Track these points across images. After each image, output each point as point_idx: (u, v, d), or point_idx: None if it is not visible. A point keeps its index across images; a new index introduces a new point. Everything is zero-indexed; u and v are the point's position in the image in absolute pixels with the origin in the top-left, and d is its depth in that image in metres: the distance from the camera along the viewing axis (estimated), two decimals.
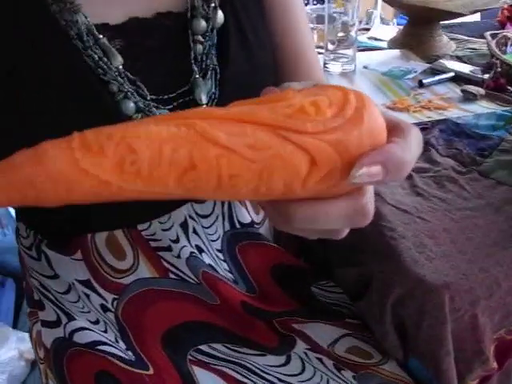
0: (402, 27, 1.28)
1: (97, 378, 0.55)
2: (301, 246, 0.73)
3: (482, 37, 1.11)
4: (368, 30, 1.40)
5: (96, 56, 0.44)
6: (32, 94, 0.42)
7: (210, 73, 0.50)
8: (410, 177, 0.67)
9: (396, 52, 1.19)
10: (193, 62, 0.49)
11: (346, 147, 0.26)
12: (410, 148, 0.28)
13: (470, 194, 0.65)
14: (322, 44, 1.17)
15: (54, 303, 0.59)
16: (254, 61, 0.53)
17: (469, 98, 0.91)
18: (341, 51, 1.12)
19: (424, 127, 0.80)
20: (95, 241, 0.54)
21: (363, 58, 1.15)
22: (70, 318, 0.58)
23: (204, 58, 0.50)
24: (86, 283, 0.56)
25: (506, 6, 1.19)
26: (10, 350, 1.17)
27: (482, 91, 0.91)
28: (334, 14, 1.12)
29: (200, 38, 0.49)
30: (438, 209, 0.61)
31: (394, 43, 1.24)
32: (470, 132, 0.79)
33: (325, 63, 1.09)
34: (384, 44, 1.28)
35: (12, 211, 1.25)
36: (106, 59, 0.44)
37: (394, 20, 2.31)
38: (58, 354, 0.58)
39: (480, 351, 0.55)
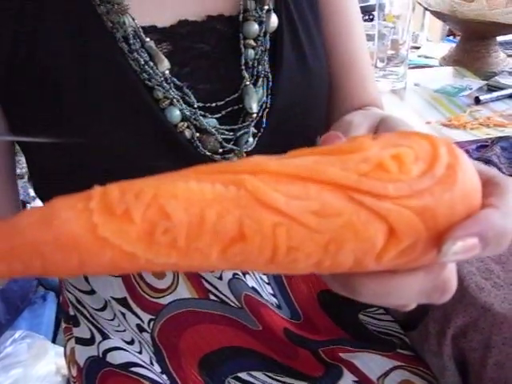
0: (453, 45, 1.24)
1: None
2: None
3: None
4: (418, 48, 1.36)
5: (142, 60, 0.42)
6: (73, 96, 0.41)
7: (261, 80, 0.47)
8: None
9: (449, 69, 1.15)
10: (243, 68, 0.46)
11: (435, 215, 0.21)
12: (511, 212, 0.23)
13: None
14: (371, 62, 1.14)
15: (89, 320, 0.57)
16: (308, 69, 0.50)
17: None
18: (390, 69, 1.09)
19: (484, 144, 0.75)
20: None
21: (414, 75, 1.12)
22: (105, 337, 0.56)
23: (255, 64, 0.47)
24: (122, 301, 0.54)
25: None
26: (48, 364, 1.16)
27: None
28: (384, 31, 1.09)
29: (252, 42, 0.47)
30: None
31: (446, 60, 1.20)
32: None
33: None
34: (435, 62, 1.24)
35: None
36: (151, 63, 0.42)
37: (441, 42, 2.27)
38: (90, 373, 0.55)
39: None
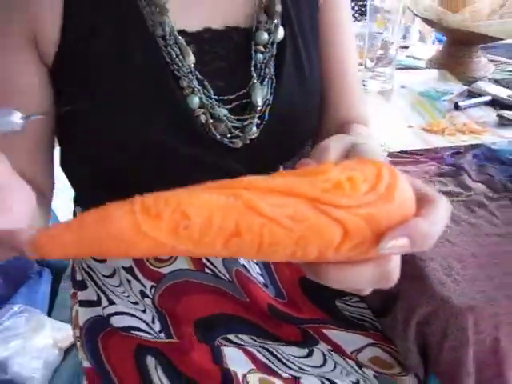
0: (440, 46, 1.29)
1: (136, 351, 0.61)
2: None
3: None
4: (407, 47, 1.42)
5: (174, 53, 0.50)
6: (111, 80, 0.49)
7: (266, 80, 0.55)
8: None
9: (434, 72, 1.21)
10: (253, 69, 0.55)
11: (377, 221, 0.28)
12: (437, 221, 0.30)
13: (499, 221, 0.66)
14: (361, 61, 1.19)
15: (97, 285, 0.66)
16: (304, 78, 0.58)
17: (504, 123, 0.92)
18: (379, 69, 1.13)
19: (458, 151, 0.81)
20: None
21: (401, 76, 1.17)
22: (111, 302, 0.64)
23: (263, 67, 0.55)
24: (129, 270, 0.63)
25: None
26: (46, 337, 1.23)
27: None
28: (374, 32, 1.14)
29: (261, 48, 0.55)
30: (467, 233, 0.63)
31: (432, 63, 1.26)
32: (503, 158, 0.81)
33: (363, 80, 1.11)
34: (422, 63, 1.29)
35: (55, 210, 1.31)
36: (181, 57, 0.51)
37: (432, 34, 2.32)
38: (91, 330, 0.64)
39: (500, 374, 0.57)
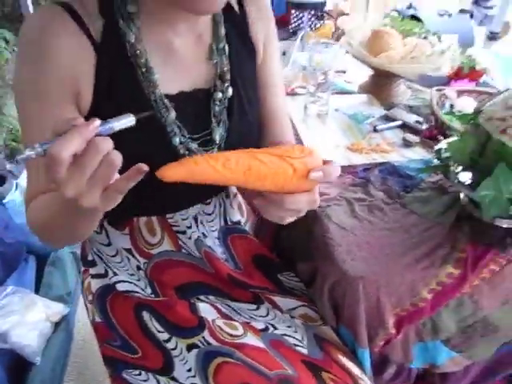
0: (370, 73, 1.58)
1: (135, 307, 0.87)
2: (273, 245, 1.04)
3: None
4: (344, 72, 1.70)
5: (162, 111, 0.76)
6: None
7: (221, 123, 0.82)
8: (351, 204, 0.98)
9: (363, 97, 1.50)
10: (212, 116, 0.81)
11: (307, 165, 0.61)
12: (333, 166, 0.63)
13: (389, 219, 0.95)
14: (305, 85, 1.45)
15: (105, 262, 0.92)
16: (247, 122, 0.86)
17: (407, 144, 1.22)
18: (319, 94, 1.40)
19: (368, 168, 1.10)
20: (139, 222, 0.87)
21: (337, 100, 1.45)
22: (115, 273, 0.91)
23: (219, 115, 0.82)
24: (128, 250, 0.89)
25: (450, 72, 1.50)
26: (39, 312, 1.45)
27: (417, 139, 1.22)
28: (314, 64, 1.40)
29: (218, 102, 0.82)
30: (366, 228, 0.92)
31: (362, 88, 1.55)
32: (401, 173, 1.10)
33: (305, 105, 1.38)
34: (355, 87, 1.58)
35: None
36: (167, 113, 0.76)
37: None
38: (103, 295, 0.90)
39: (382, 321, 0.85)
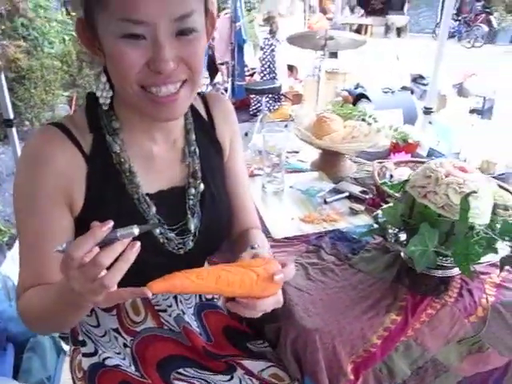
0: (320, 151, 1.78)
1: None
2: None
3: None
4: (297, 152, 1.91)
5: (144, 207, 0.90)
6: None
7: (195, 214, 0.96)
8: (306, 268, 1.13)
9: (314, 174, 1.69)
10: (188, 209, 0.95)
11: (268, 270, 0.76)
12: (290, 268, 0.79)
13: (340, 278, 1.10)
14: (262, 166, 1.64)
15: (94, 342, 1.01)
16: (218, 210, 1.00)
17: (353, 212, 1.39)
18: (274, 174, 1.57)
19: (320, 235, 1.27)
20: (125, 304, 0.98)
21: (291, 178, 1.63)
22: (104, 351, 1.00)
23: (193, 207, 0.96)
24: (115, 330, 1.00)
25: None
26: None
27: (362, 208, 1.40)
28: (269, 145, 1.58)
29: (191, 197, 0.96)
30: (319, 288, 1.06)
31: (313, 166, 1.75)
32: (349, 237, 1.27)
33: (263, 185, 1.56)
34: (308, 165, 1.78)
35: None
36: (148, 209, 0.90)
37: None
38: (92, 372, 0.98)
39: (341, 368, 0.97)
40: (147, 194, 0.91)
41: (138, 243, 0.63)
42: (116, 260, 0.62)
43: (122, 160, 0.88)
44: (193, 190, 0.96)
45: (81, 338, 1.02)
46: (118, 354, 1.00)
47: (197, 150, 0.98)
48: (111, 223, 0.61)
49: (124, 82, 0.77)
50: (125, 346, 1.00)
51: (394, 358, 1.03)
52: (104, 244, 0.62)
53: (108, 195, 0.87)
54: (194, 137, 0.98)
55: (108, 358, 0.99)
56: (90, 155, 0.86)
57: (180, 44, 0.75)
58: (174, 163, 0.96)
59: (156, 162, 0.93)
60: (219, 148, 1.04)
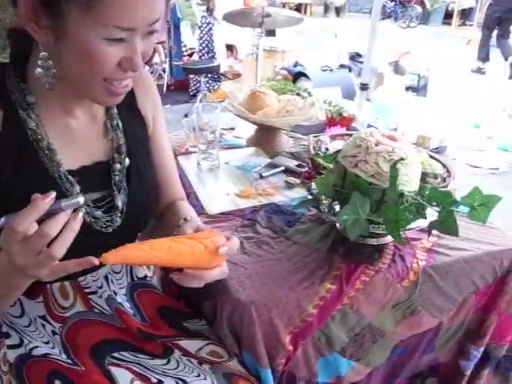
0: (256, 128, 1.77)
1: (48, 375, 0.90)
2: (180, 294, 1.14)
3: None
4: (233, 129, 1.88)
5: (67, 185, 0.85)
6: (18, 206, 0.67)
7: (122, 190, 0.92)
8: (241, 243, 1.11)
9: (250, 149, 1.67)
10: (114, 185, 0.91)
11: (214, 242, 0.79)
12: (234, 241, 0.83)
13: (275, 251, 1.10)
14: (196, 144, 1.60)
15: (18, 333, 0.95)
16: (145, 185, 0.97)
17: (289, 186, 1.39)
18: (209, 151, 1.54)
19: (256, 209, 1.25)
20: (52, 288, 0.92)
21: (227, 155, 1.61)
22: (30, 341, 0.94)
23: (119, 183, 0.92)
24: (43, 317, 0.94)
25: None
26: None
27: (298, 181, 1.40)
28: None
29: (117, 173, 0.92)
30: (255, 261, 1.05)
31: (249, 142, 1.73)
32: (284, 210, 1.26)
33: (198, 162, 1.53)
34: (243, 141, 1.75)
35: None
36: (71, 187, 0.85)
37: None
38: (19, 364, 0.92)
39: (279, 340, 0.97)
40: (69, 171, 0.86)
41: (81, 213, 0.66)
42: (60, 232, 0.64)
43: (39, 137, 0.83)
44: (118, 166, 0.92)
45: (4, 330, 0.96)
46: (47, 343, 0.94)
47: (120, 124, 0.94)
48: (53, 194, 0.63)
49: (90, 75, 0.77)
50: (54, 333, 0.94)
51: (331, 327, 1.04)
52: (47, 216, 0.63)
53: (26, 175, 0.82)
54: (115, 110, 0.94)
55: (35, 347, 0.93)
56: (1, 134, 0.80)
57: (144, 43, 0.78)
58: (97, 138, 0.92)
59: (76, 137, 0.89)
60: (143, 121, 1.01)
